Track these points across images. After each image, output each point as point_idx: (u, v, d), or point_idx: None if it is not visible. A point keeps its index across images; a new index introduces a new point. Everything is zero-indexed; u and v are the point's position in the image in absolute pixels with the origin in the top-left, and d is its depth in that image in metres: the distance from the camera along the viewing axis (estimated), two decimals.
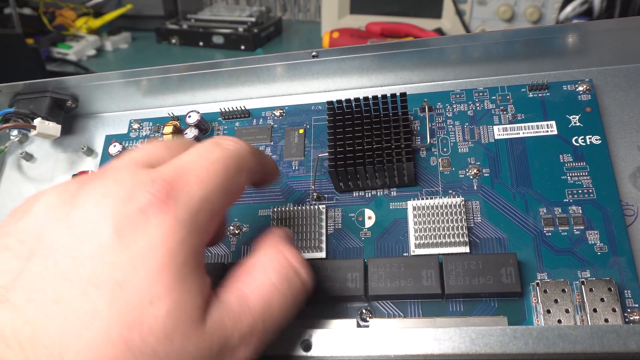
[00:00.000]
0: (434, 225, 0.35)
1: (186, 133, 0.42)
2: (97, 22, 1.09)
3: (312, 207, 0.38)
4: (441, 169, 0.39)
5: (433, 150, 0.40)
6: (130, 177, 0.24)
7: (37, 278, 0.22)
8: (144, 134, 0.46)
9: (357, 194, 0.39)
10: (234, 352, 0.24)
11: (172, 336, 0.22)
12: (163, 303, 0.22)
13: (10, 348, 0.20)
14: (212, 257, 0.39)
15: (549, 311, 0.31)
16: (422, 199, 0.37)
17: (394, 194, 0.39)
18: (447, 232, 0.35)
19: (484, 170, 0.38)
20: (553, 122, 0.38)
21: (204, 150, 0.26)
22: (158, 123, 0.47)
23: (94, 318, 0.21)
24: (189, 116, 0.43)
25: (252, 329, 0.25)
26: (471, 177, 0.38)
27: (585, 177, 0.36)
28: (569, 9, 0.84)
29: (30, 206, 0.25)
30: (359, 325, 0.34)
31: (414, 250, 0.35)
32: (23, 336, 0.21)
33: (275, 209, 0.38)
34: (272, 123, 0.44)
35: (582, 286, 0.32)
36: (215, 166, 0.26)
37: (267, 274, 0.27)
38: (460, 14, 0.91)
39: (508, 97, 0.40)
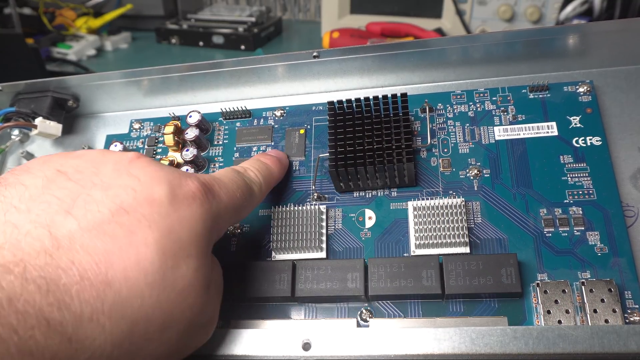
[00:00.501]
0: (434, 226, 0.35)
1: (187, 133, 0.42)
2: (97, 22, 1.09)
3: (312, 207, 0.38)
4: (442, 169, 0.39)
5: (433, 150, 0.40)
6: (180, 171, 0.29)
7: (98, 202, 0.25)
8: (145, 133, 0.46)
9: (357, 194, 0.39)
10: (212, 322, 0.30)
11: (191, 290, 0.26)
12: (194, 260, 0.26)
13: (60, 248, 0.23)
14: None
15: (549, 312, 0.31)
16: (423, 199, 0.37)
17: (394, 194, 0.39)
18: (448, 233, 0.35)
19: (484, 171, 0.38)
20: (554, 123, 0.38)
21: (232, 176, 0.33)
22: (159, 123, 0.47)
23: (144, 247, 0.25)
24: (190, 116, 0.43)
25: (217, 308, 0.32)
26: (472, 177, 0.38)
27: (585, 178, 0.36)
28: (569, 8, 0.84)
29: (84, 151, 0.28)
30: (358, 325, 0.34)
31: (414, 251, 0.35)
32: (75, 242, 0.23)
33: (275, 209, 0.38)
34: (273, 123, 0.44)
35: (583, 287, 0.32)
36: (237, 191, 0.32)
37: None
38: (460, 14, 0.91)
39: (509, 98, 0.40)
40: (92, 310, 0.22)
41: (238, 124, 0.45)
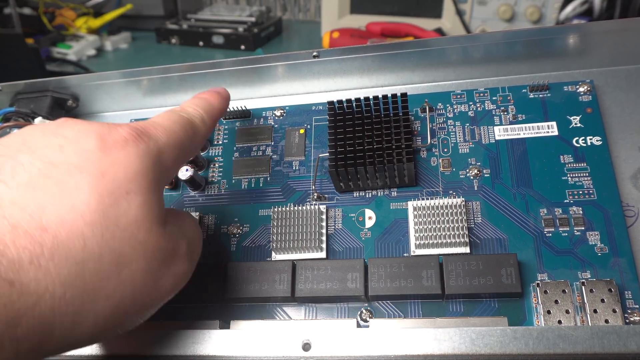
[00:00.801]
0: (434, 226, 0.35)
1: None
2: (97, 22, 1.09)
3: (312, 207, 0.38)
4: (442, 169, 0.39)
5: (434, 150, 0.40)
6: (110, 123, 0.29)
7: (25, 164, 0.25)
8: None
9: (357, 194, 0.39)
10: (178, 261, 0.30)
11: (139, 225, 0.26)
12: (136, 196, 0.26)
13: None
14: (212, 257, 0.39)
15: (549, 312, 0.31)
16: (423, 199, 0.37)
17: (394, 194, 0.39)
18: (448, 233, 0.35)
19: (484, 171, 0.38)
20: (554, 123, 0.38)
21: (168, 115, 0.33)
22: None
23: (77, 191, 0.25)
24: None
25: (191, 247, 0.31)
26: (472, 177, 0.38)
27: (585, 178, 0.36)
28: (569, 8, 0.84)
29: (17, 130, 0.28)
30: (358, 326, 0.34)
31: (414, 251, 0.35)
32: (4, 200, 0.23)
33: (275, 209, 0.38)
34: (272, 123, 0.44)
35: (583, 287, 0.32)
36: (175, 126, 0.32)
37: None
38: (460, 13, 0.91)
39: (509, 98, 0.40)
40: (31, 254, 0.22)
41: (238, 124, 0.45)
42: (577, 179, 0.36)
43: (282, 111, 0.45)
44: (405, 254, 0.36)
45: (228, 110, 0.44)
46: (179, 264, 0.30)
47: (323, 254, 0.37)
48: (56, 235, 0.23)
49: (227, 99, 0.39)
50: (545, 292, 0.32)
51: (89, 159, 0.26)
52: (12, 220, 0.23)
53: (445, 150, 0.39)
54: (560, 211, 0.35)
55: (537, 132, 0.38)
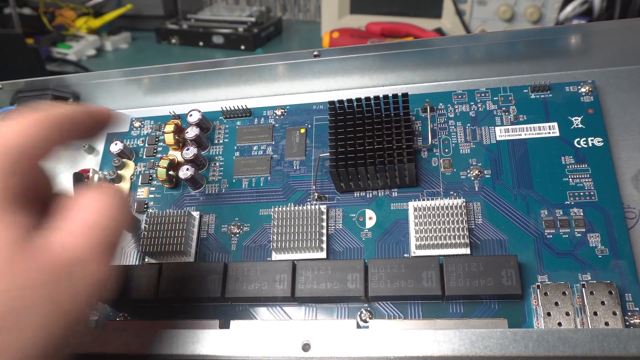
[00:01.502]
0: (434, 227, 0.35)
1: (187, 132, 0.42)
2: (97, 22, 1.09)
3: (313, 207, 0.38)
4: (442, 170, 0.39)
5: (434, 151, 0.39)
6: None
7: None
8: (145, 132, 0.46)
9: (358, 194, 0.39)
10: (82, 268, 0.24)
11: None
12: None
13: None
14: (212, 257, 0.39)
15: (549, 314, 0.31)
16: (423, 199, 0.37)
17: (395, 194, 0.38)
18: (448, 234, 0.34)
19: (485, 172, 0.38)
20: (555, 124, 0.38)
21: (19, 117, 0.26)
22: (159, 121, 0.47)
23: None
24: (190, 115, 0.43)
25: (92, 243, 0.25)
26: (472, 178, 0.38)
27: (587, 179, 0.36)
28: (569, 8, 0.84)
29: None
30: (358, 326, 0.34)
31: (415, 252, 0.35)
32: None
33: (275, 209, 0.38)
34: (273, 122, 0.44)
35: (583, 289, 0.31)
36: (28, 124, 0.26)
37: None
38: (460, 14, 0.91)
39: (510, 98, 0.40)
40: None
41: (239, 123, 0.45)
42: (578, 180, 0.36)
43: (283, 110, 0.44)
44: (405, 255, 0.36)
45: (228, 109, 0.44)
46: (84, 272, 0.24)
47: (323, 254, 0.37)
48: None
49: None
50: (546, 294, 0.32)
51: None
52: None
53: (446, 150, 0.39)
54: (561, 212, 0.35)
55: (538, 133, 0.38)
